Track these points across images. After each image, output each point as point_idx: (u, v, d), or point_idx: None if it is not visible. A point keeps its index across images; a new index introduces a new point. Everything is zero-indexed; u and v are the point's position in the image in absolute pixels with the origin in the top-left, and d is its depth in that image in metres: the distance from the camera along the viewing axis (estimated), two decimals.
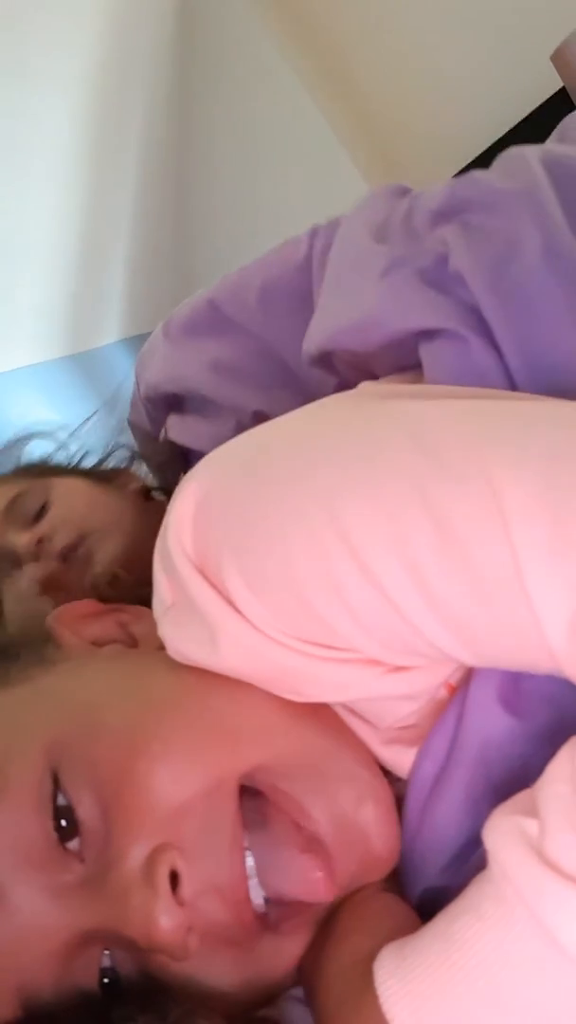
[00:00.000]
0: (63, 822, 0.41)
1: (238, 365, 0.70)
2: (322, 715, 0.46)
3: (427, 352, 0.51)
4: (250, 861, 0.43)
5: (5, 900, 0.40)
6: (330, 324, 0.56)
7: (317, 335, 0.56)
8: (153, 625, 0.47)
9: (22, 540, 0.83)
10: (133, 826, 0.40)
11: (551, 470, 0.35)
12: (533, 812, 0.34)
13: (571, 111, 1.83)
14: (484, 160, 2.14)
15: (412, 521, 0.37)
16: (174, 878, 0.40)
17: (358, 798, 0.44)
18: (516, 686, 0.43)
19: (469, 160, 2.13)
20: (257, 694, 0.45)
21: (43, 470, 0.96)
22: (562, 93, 1.92)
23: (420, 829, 0.45)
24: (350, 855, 0.43)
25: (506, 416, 0.40)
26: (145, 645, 0.51)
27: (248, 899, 0.42)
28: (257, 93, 2.27)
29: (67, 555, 0.82)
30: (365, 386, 0.50)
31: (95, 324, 2.53)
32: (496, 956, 0.34)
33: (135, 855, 0.40)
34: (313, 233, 0.74)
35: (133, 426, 0.93)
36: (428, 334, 0.51)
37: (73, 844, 0.41)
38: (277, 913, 0.43)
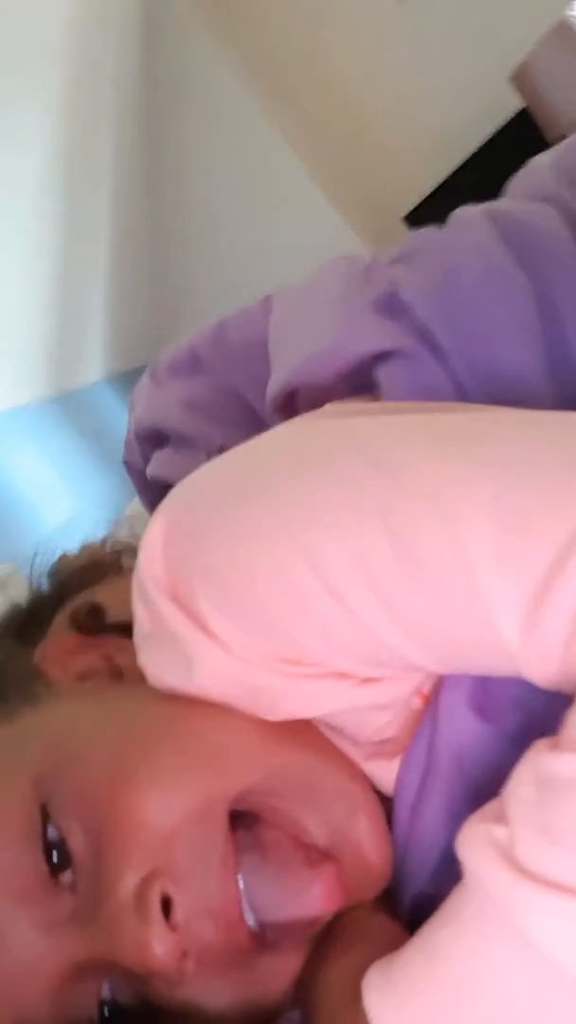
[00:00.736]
0: (54, 856, 0.41)
1: (208, 403, 0.73)
2: (307, 734, 0.47)
3: (383, 373, 0.53)
4: (242, 883, 0.42)
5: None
6: (290, 361, 0.59)
7: (279, 375, 0.59)
8: (136, 656, 0.47)
9: None
10: (123, 855, 0.41)
11: (499, 481, 0.37)
12: (503, 819, 0.35)
13: (532, 130, 1.88)
14: (452, 183, 2.18)
15: (369, 537, 0.38)
16: (166, 904, 0.40)
17: (350, 812, 0.44)
18: (485, 690, 0.44)
19: (436, 184, 2.16)
20: (241, 718, 0.45)
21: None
22: (524, 113, 1.96)
23: (408, 841, 0.45)
24: (346, 870, 0.43)
25: (457, 429, 0.42)
26: (130, 676, 0.50)
27: (242, 920, 0.42)
28: (225, 134, 2.30)
29: None
30: (329, 407, 0.51)
31: (78, 363, 2.54)
32: (477, 965, 0.34)
33: (126, 883, 0.40)
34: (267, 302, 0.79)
35: (129, 466, 0.93)
36: (383, 356, 0.53)
37: (65, 876, 0.41)
38: (273, 932, 0.43)
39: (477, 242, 0.56)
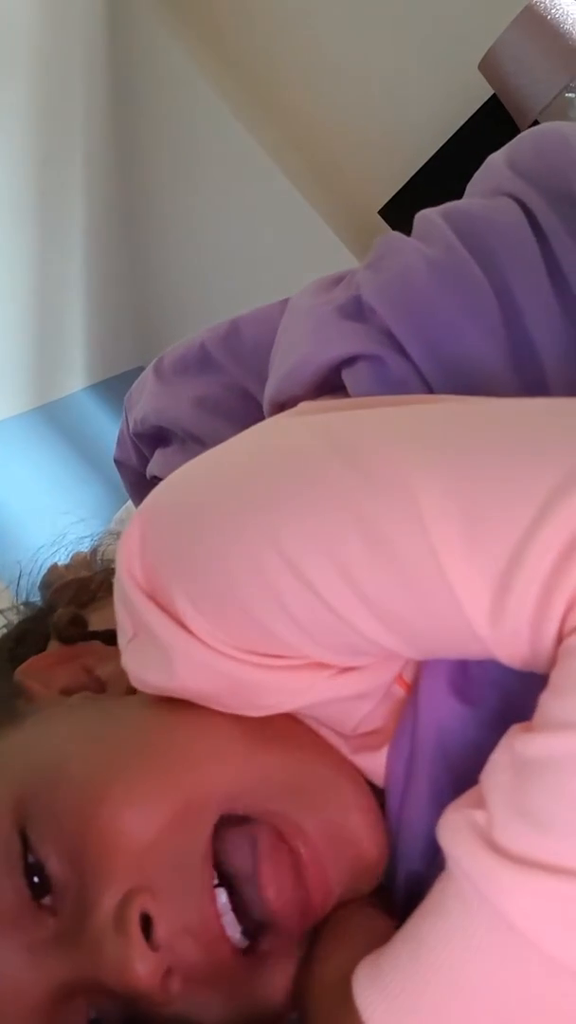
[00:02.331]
0: (35, 879, 0.41)
1: (219, 401, 0.74)
2: (296, 735, 0.47)
3: (348, 375, 0.55)
4: (223, 898, 0.43)
5: None
6: (275, 375, 0.60)
7: (267, 390, 0.61)
8: (118, 664, 0.47)
9: None
10: (101, 874, 0.41)
11: (460, 468, 0.38)
12: (482, 804, 0.35)
13: (503, 117, 1.88)
14: (425, 174, 2.19)
15: (340, 529, 0.39)
16: (147, 921, 0.40)
17: (343, 808, 0.45)
18: (465, 673, 0.44)
19: (408, 176, 2.16)
20: (224, 726, 0.45)
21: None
22: (493, 100, 1.96)
23: (399, 828, 0.46)
24: (342, 863, 0.43)
25: (421, 418, 0.43)
26: (112, 687, 0.51)
27: (224, 936, 0.42)
28: (199, 138, 2.29)
29: None
30: (302, 405, 0.52)
31: (59, 374, 2.53)
32: (462, 952, 0.34)
33: (106, 903, 0.40)
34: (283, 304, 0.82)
35: (120, 464, 0.93)
36: (348, 360, 0.55)
37: (47, 900, 0.41)
38: (265, 942, 0.43)
39: (431, 241, 0.58)
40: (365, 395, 0.53)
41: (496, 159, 0.64)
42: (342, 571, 0.38)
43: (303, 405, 0.52)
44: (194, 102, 2.24)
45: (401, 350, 0.54)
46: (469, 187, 0.65)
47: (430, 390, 0.53)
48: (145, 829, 0.41)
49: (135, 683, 0.46)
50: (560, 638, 0.36)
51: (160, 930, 0.40)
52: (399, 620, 0.39)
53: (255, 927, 0.43)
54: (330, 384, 0.57)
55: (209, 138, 2.28)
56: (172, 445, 0.80)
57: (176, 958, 0.40)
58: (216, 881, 0.42)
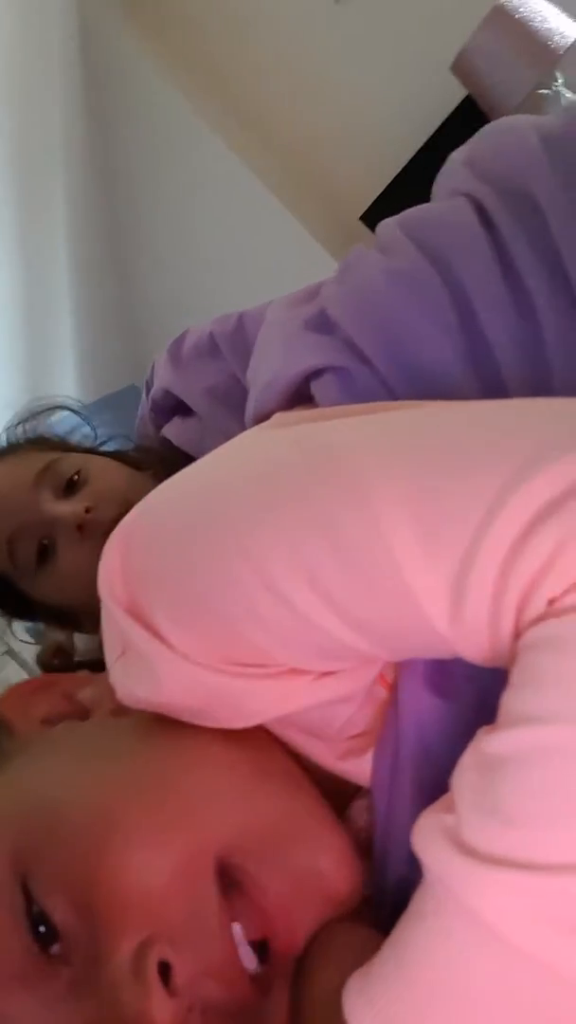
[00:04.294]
0: (42, 928, 0.41)
1: (228, 391, 0.79)
2: (272, 771, 0.47)
3: (316, 387, 0.57)
4: (237, 930, 0.42)
5: (4, 1019, 0.40)
6: (253, 392, 0.63)
7: (248, 408, 0.64)
8: (99, 687, 0.48)
9: (66, 509, 0.81)
10: (114, 923, 0.40)
11: (416, 474, 0.39)
12: (452, 807, 0.35)
13: (478, 117, 1.88)
14: (404, 177, 2.19)
15: (307, 540, 0.40)
16: (165, 969, 0.39)
17: (311, 853, 0.44)
18: (440, 670, 0.45)
19: (388, 180, 2.16)
20: (211, 762, 0.46)
21: (67, 446, 0.93)
22: (468, 101, 1.96)
23: (388, 832, 0.46)
24: (311, 906, 0.43)
25: (379, 427, 0.44)
26: (96, 710, 0.51)
27: (243, 974, 0.42)
28: (176, 153, 2.30)
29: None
30: (275, 418, 0.54)
31: (50, 394, 2.53)
32: (444, 956, 0.34)
33: (121, 952, 0.40)
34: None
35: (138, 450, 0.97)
36: (316, 373, 0.58)
37: (56, 948, 0.41)
38: (265, 971, 0.43)
39: (391, 251, 0.61)
40: (332, 405, 0.55)
41: (456, 158, 0.65)
42: (310, 579, 0.40)
43: (276, 417, 0.54)
44: (171, 116, 2.25)
45: (365, 360, 0.56)
46: (435, 187, 0.68)
47: (394, 397, 0.54)
48: (155, 877, 0.41)
49: (125, 699, 0.47)
50: (516, 634, 0.37)
51: (179, 976, 0.39)
52: (367, 624, 0.40)
53: (258, 948, 0.43)
54: (301, 395, 0.59)
55: (188, 151, 2.29)
56: (191, 416, 0.85)
57: (195, 999, 0.40)
58: (231, 917, 0.42)
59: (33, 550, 0.84)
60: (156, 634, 0.43)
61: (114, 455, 0.94)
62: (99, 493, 0.84)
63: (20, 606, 0.92)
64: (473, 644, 0.39)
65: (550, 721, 0.33)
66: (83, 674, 0.53)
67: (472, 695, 0.44)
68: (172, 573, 0.43)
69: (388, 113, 2.17)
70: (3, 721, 0.51)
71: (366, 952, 0.38)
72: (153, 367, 0.94)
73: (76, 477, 0.86)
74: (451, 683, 0.45)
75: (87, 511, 0.81)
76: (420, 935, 0.35)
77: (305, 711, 0.46)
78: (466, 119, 1.98)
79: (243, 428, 0.69)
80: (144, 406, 0.95)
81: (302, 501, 0.41)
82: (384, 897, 0.46)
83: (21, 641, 1.05)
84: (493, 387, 0.52)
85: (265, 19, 2.21)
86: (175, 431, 0.87)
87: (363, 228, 2.22)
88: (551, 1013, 0.33)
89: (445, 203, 0.61)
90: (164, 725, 0.47)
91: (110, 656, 0.47)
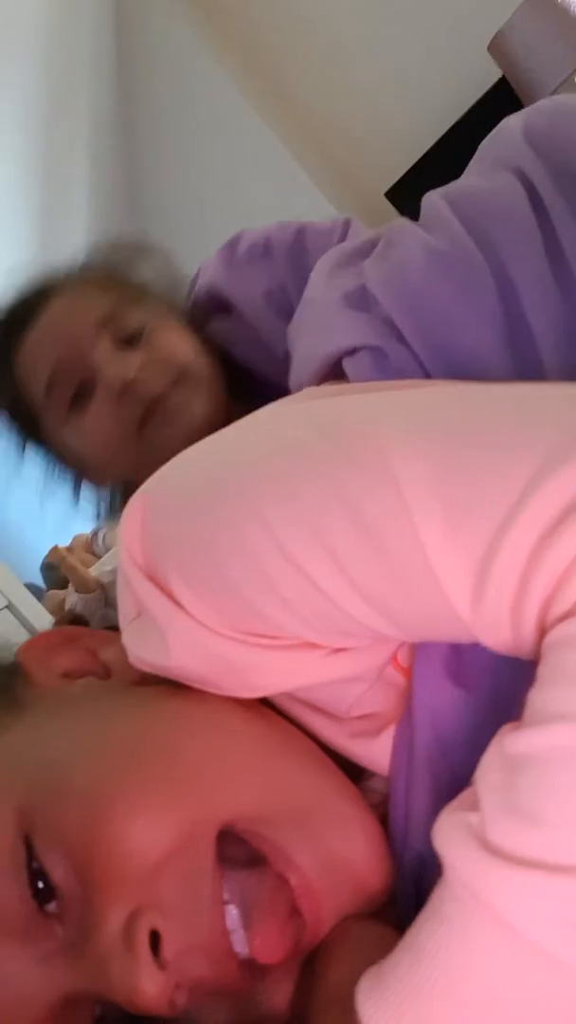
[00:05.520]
0: (40, 884, 0.41)
1: (281, 300, 0.79)
2: (298, 749, 0.47)
3: (349, 365, 0.57)
4: (234, 913, 0.42)
5: None
6: (294, 364, 0.63)
7: (291, 379, 0.64)
8: (122, 650, 0.47)
9: (116, 365, 0.77)
10: (109, 889, 0.40)
11: (445, 454, 0.38)
12: (476, 806, 0.34)
13: (512, 99, 1.86)
14: (432, 156, 2.17)
15: (326, 512, 0.39)
16: (155, 939, 0.39)
17: (344, 835, 0.44)
18: (460, 657, 0.44)
19: (415, 159, 2.14)
20: (229, 735, 0.45)
21: (143, 295, 0.86)
22: (502, 82, 1.94)
23: (408, 819, 0.45)
24: (339, 896, 0.42)
25: (409, 404, 0.43)
26: (118, 673, 0.50)
27: (231, 954, 0.41)
28: (205, 117, 2.27)
29: (154, 405, 0.76)
30: (304, 391, 0.53)
31: None
32: (461, 956, 0.34)
33: (113, 919, 0.39)
34: (345, 225, 0.84)
35: None
36: (349, 351, 0.57)
37: (51, 907, 0.41)
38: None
39: (434, 227, 0.59)
40: (367, 380, 0.54)
41: (512, 125, 0.63)
42: (330, 553, 0.39)
43: (304, 391, 0.53)
44: (203, 84, 2.22)
45: (401, 339, 0.55)
46: (480, 150, 0.65)
47: (428, 377, 0.54)
48: (153, 847, 0.40)
49: (133, 661, 0.46)
50: (540, 626, 0.36)
51: (168, 948, 0.39)
52: (385, 602, 0.40)
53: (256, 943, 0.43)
54: (335, 371, 0.58)
55: (218, 121, 2.26)
56: (228, 317, 0.83)
57: (183, 974, 0.40)
58: (227, 897, 0.42)
59: (69, 393, 0.79)
60: (170, 598, 0.43)
61: (181, 313, 0.87)
62: (156, 361, 0.78)
63: (36, 436, 0.87)
64: (493, 630, 0.38)
65: None
66: (108, 633, 0.52)
67: (489, 687, 0.43)
68: (190, 539, 0.43)
69: (420, 90, 2.15)
70: (23, 670, 0.50)
71: (380, 950, 0.37)
72: (200, 270, 0.91)
73: (140, 333, 0.80)
74: (468, 672, 0.44)
75: (136, 375, 0.76)
76: (438, 935, 0.35)
77: (314, 687, 0.46)
78: (500, 101, 1.95)
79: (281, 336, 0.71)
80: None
81: (324, 474, 0.40)
82: (398, 892, 0.45)
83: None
84: (531, 371, 0.51)
85: None
86: (220, 326, 0.84)
87: (387, 204, 2.20)
88: (571, 1016, 0.33)
89: (491, 179, 0.60)
90: (183, 696, 0.46)
91: (124, 618, 0.47)
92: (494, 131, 0.65)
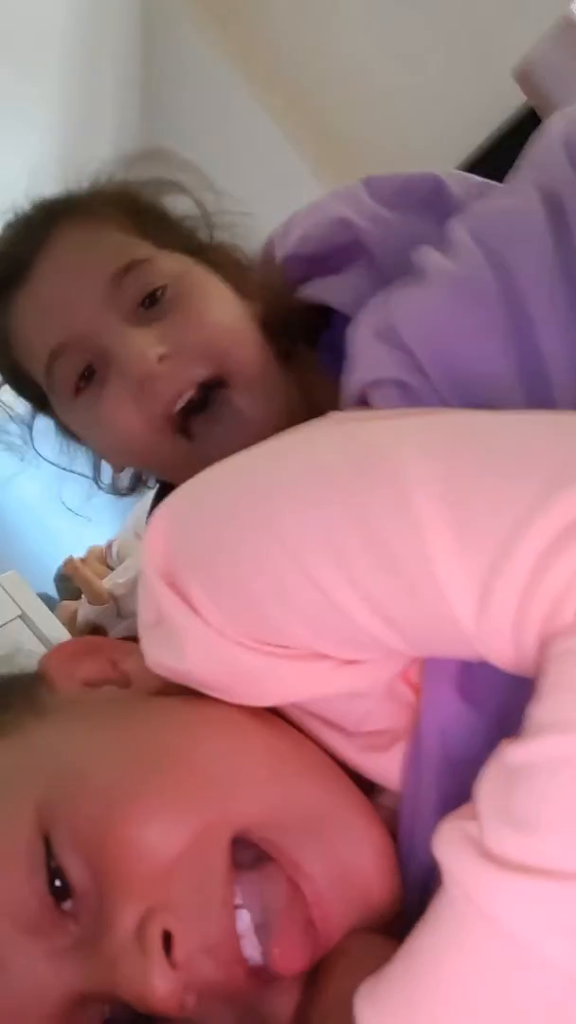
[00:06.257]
0: (58, 882, 0.42)
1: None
2: (310, 760, 0.48)
3: (375, 397, 0.58)
4: (246, 917, 0.43)
5: (3, 965, 0.41)
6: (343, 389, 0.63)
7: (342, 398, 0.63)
8: (142, 661, 0.49)
9: (135, 345, 0.61)
10: (123, 888, 0.41)
11: (455, 475, 0.40)
12: (475, 816, 0.35)
13: (537, 127, 1.86)
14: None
15: (341, 527, 0.41)
16: (167, 939, 0.40)
17: (353, 845, 0.45)
18: (470, 673, 0.45)
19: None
20: (244, 743, 0.46)
21: (168, 235, 0.68)
22: (527, 111, 1.95)
23: (413, 834, 0.46)
24: (348, 907, 0.43)
25: (425, 429, 0.45)
26: (138, 682, 0.52)
27: (241, 959, 0.42)
28: (233, 135, 2.30)
29: (192, 403, 0.62)
30: (330, 415, 0.55)
31: None
32: (457, 961, 0.34)
33: (127, 918, 0.40)
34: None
35: None
36: (375, 383, 0.58)
37: (67, 905, 0.42)
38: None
39: (455, 253, 0.59)
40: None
41: (554, 130, 0.64)
42: (343, 567, 0.41)
43: (334, 415, 0.55)
44: (231, 104, 2.25)
45: (423, 372, 0.56)
46: (526, 154, 0.65)
47: (447, 404, 0.55)
48: (167, 848, 0.41)
49: (151, 664, 0.48)
50: (541, 642, 0.37)
51: (179, 949, 0.40)
52: (395, 616, 0.41)
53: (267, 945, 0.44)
54: (364, 398, 0.59)
55: (249, 148, 2.28)
56: (349, 269, 0.70)
57: (193, 976, 0.40)
58: (239, 901, 0.43)
59: (74, 372, 0.64)
60: (191, 606, 0.45)
61: (222, 262, 0.69)
62: (186, 346, 0.62)
63: (45, 407, 0.73)
64: (496, 646, 0.39)
65: (573, 729, 0.34)
66: (129, 644, 0.54)
67: (497, 704, 0.44)
68: (212, 550, 0.45)
69: (446, 115, 2.16)
70: (46, 677, 0.52)
71: (384, 963, 0.38)
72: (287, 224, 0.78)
73: (159, 294, 0.63)
74: (478, 689, 0.45)
75: (160, 369, 0.61)
76: (436, 942, 0.35)
77: (323, 699, 0.47)
78: (525, 128, 1.96)
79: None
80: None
81: (342, 496, 0.42)
82: (407, 905, 0.46)
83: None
84: (543, 402, 0.52)
85: (330, 10, 2.20)
86: (317, 289, 0.69)
87: None
88: (566, 1020, 0.33)
89: (518, 200, 0.61)
90: (200, 705, 0.48)
91: (143, 625, 0.48)
92: (538, 137, 0.65)
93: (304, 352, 0.69)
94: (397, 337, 0.58)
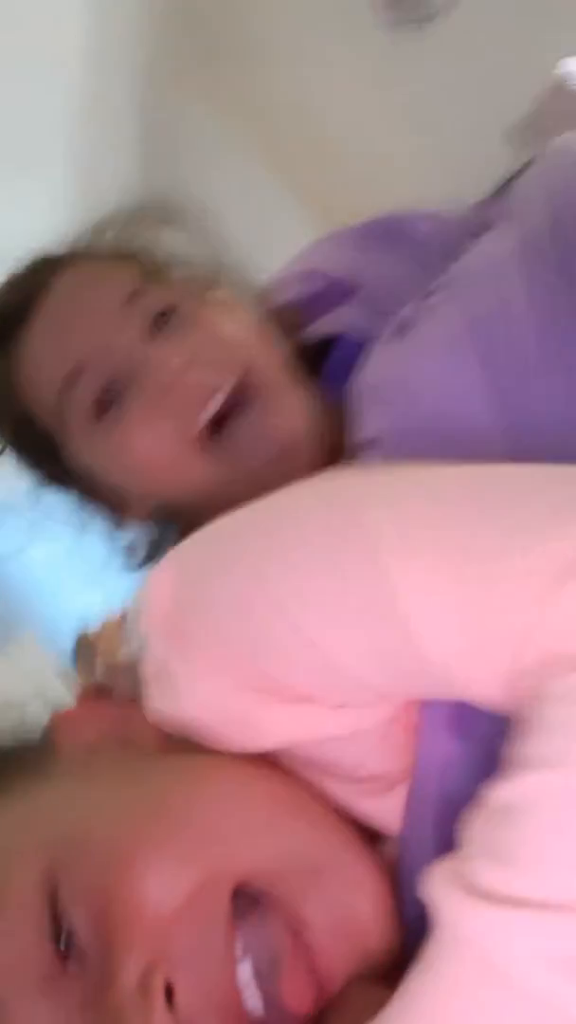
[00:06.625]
0: (63, 940, 0.43)
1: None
2: (309, 808, 0.49)
3: (369, 451, 0.62)
4: (247, 968, 0.43)
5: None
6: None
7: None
8: (145, 722, 0.51)
9: (160, 350, 0.60)
10: (126, 942, 0.41)
11: (432, 533, 0.43)
12: (462, 857, 0.37)
13: None
14: None
15: (317, 579, 0.44)
16: (170, 991, 0.41)
17: (353, 895, 0.46)
18: (466, 711, 0.47)
19: None
20: (244, 794, 0.48)
21: (169, 265, 0.70)
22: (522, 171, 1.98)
23: (409, 879, 0.45)
24: (348, 954, 0.44)
25: (404, 487, 0.48)
26: (140, 742, 0.53)
27: (241, 1012, 0.42)
28: (240, 206, 2.34)
29: (224, 409, 0.62)
30: (326, 472, 0.57)
31: None
32: (446, 997, 0.35)
33: (130, 971, 0.41)
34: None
35: None
36: (370, 442, 0.61)
37: (72, 963, 0.43)
38: (275, 1016, 0.43)
39: (439, 319, 0.62)
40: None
41: (532, 184, 0.71)
42: (325, 617, 0.44)
43: (331, 472, 0.57)
44: (238, 178, 2.30)
45: (408, 432, 0.59)
46: (512, 193, 0.69)
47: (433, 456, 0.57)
48: (168, 901, 0.42)
49: (150, 714, 0.50)
50: (524, 687, 0.39)
51: (181, 1001, 0.40)
52: (374, 662, 0.44)
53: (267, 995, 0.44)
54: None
55: (241, 212, 2.33)
56: (351, 303, 0.71)
57: None
58: (240, 953, 0.43)
59: (93, 395, 0.63)
60: (183, 650, 0.47)
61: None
62: (200, 352, 0.62)
63: (56, 469, 0.70)
64: (481, 692, 0.41)
65: (555, 764, 0.35)
66: (132, 705, 0.56)
67: (494, 745, 0.44)
68: (204, 599, 0.47)
69: (441, 175, 2.19)
70: (51, 740, 0.54)
71: (380, 1007, 0.38)
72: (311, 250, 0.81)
73: (172, 313, 0.64)
74: (473, 725, 0.46)
75: (183, 369, 0.61)
76: (428, 981, 0.36)
77: (319, 745, 0.48)
78: None
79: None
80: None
81: (318, 547, 0.45)
82: (405, 949, 0.46)
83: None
84: (524, 454, 0.53)
85: (319, 75, 2.26)
86: (343, 319, 0.70)
87: None
88: None
89: (494, 262, 0.63)
90: (201, 757, 0.49)
91: (146, 679, 0.51)
92: (564, 146, 0.70)
93: (311, 382, 0.71)
94: (382, 395, 0.62)
